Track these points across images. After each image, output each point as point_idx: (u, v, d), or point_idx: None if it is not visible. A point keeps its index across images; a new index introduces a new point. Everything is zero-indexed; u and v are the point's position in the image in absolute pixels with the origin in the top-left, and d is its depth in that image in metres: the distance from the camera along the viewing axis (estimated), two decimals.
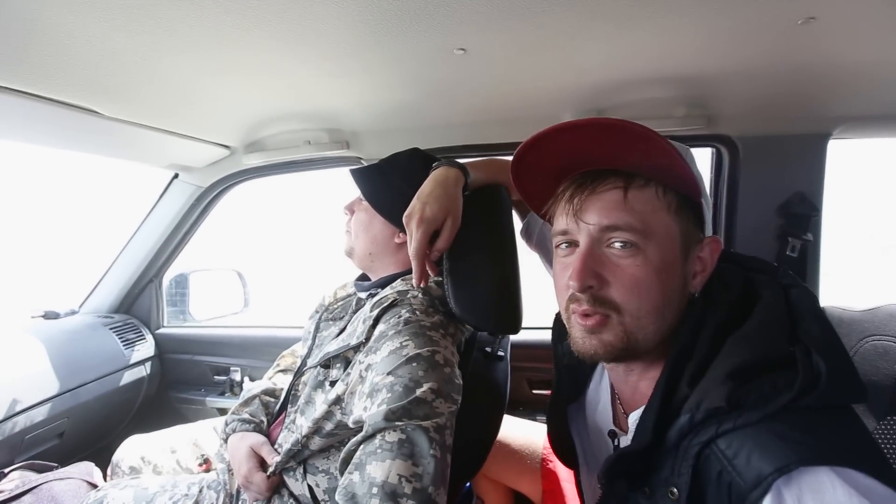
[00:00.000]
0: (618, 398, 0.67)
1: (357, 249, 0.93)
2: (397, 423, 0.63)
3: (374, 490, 0.58)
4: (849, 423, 0.46)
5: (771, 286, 0.55)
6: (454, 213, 0.79)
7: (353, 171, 0.93)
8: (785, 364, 0.47)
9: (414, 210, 0.77)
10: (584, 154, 0.55)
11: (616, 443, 0.66)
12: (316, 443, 0.80)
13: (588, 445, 0.75)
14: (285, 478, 0.84)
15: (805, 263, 1.17)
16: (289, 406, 0.91)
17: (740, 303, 0.54)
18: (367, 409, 0.69)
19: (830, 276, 1.24)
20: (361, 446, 0.64)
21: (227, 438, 0.93)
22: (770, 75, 0.95)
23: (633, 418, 0.59)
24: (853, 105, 1.07)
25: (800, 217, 1.15)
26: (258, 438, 0.89)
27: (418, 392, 0.66)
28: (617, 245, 0.54)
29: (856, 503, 0.39)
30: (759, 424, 0.44)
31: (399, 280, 0.87)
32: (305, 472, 0.82)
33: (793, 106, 1.08)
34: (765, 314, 0.52)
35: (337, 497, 0.61)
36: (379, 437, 0.63)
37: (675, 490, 0.48)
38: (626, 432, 0.63)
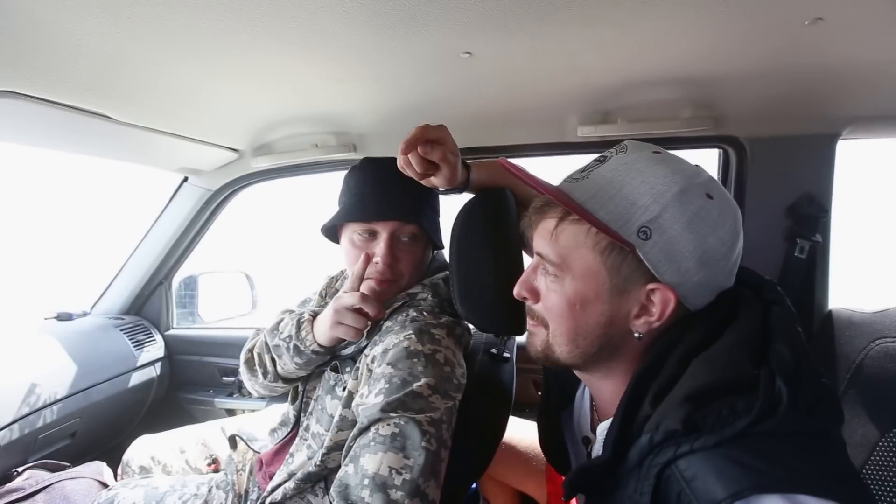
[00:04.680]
0: (594, 405, 0.68)
1: (409, 284, 0.88)
2: (392, 414, 0.64)
3: (366, 482, 0.59)
4: (815, 446, 0.45)
5: (751, 304, 0.54)
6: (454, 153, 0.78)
7: (393, 214, 0.83)
8: (749, 387, 0.46)
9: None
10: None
11: (589, 449, 0.67)
12: (335, 459, 0.77)
13: (577, 452, 0.75)
14: (308, 496, 0.81)
15: (814, 265, 1.15)
16: (302, 415, 0.91)
17: (721, 324, 0.53)
18: (363, 395, 0.70)
19: (842, 277, 1.22)
20: (357, 439, 0.65)
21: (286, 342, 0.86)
22: (777, 76, 0.94)
23: (601, 429, 0.61)
24: (862, 105, 1.06)
25: (809, 218, 1.14)
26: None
27: (415, 386, 0.67)
28: (546, 270, 0.58)
29: None
30: (716, 448, 0.44)
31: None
32: (327, 487, 0.81)
33: (801, 106, 1.07)
34: (734, 336, 0.51)
35: (332, 489, 0.63)
36: (373, 429, 0.64)
37: None
38: (596, 439, 0.64)
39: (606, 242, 0.53)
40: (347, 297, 0.77)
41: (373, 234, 0.84)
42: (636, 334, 0.55)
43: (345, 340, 0.83)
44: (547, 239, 0.57)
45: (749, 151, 1.18)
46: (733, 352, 0.49)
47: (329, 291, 1.01)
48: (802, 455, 0.44)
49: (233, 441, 1.06)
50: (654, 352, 0.54)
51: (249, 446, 1.01)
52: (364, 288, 0.84)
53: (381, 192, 0.84)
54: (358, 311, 0.77)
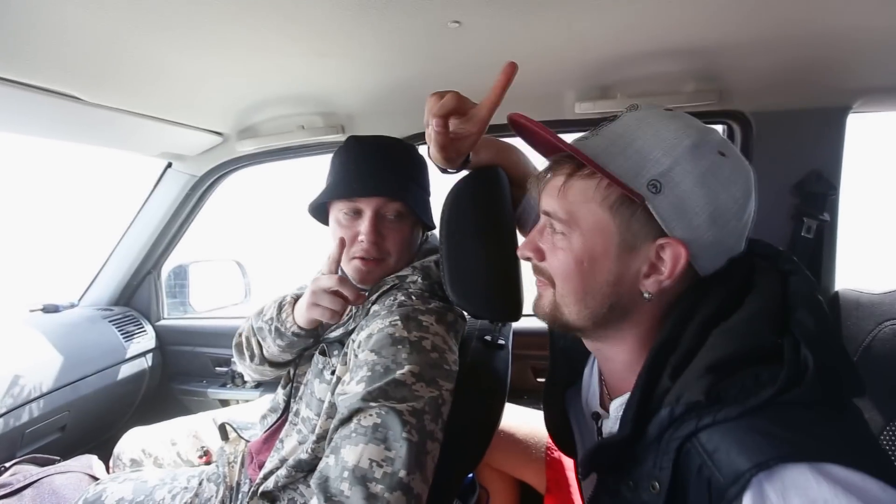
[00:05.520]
0: (603, 380, 0.67)
1: (396, 270, 0.85)
2: (372, 404, 0.61)
3: (346, 474, 0.57)
4: (840, 416, 0.44)
5: (768, 273, 0.53)
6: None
7: (376, 190, 0.79)
8: (772, 357, 0.45)
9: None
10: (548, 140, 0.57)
11: (599, 424, 0.65)
12: (324, 448, 0.76)
13: (584, 431, 0.74)
14: (301, 487, 0.79)
15: (821, 244, 1.12)
16: (291, 400, 0.89)
17: (737, 293, 0.52)
18: (345, 383, 0.68)
19: (850, 257, 1.19)
20: (339, 430, 0.63)
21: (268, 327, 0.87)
22: (784, 44, 0.89)
23: (616, 405, 0.60)
24: (875, 76, 1.01)
25: (816, 196, 1.10)
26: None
27: (398, 373, 0.64)
28: (553, 228, 0.57)
29: (841, 498, 0.37)
30: (740, 419, 0.43)
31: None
32: None
33: (809, 78, 1.02)
34: (755, 305, 0.50)
35: (312, 481, 0.60)
36: (355, 420, 0.62)
37: (657, 484, 0.47)
38: (609, 415, 0.63)
39: (616, 196, 0.52)
40: (325, 279, 0.77)
41: (357, 213, 0.82)
42: (646, 295, 0.54)
43: (325, 323, 0.82)
44: (555, 196, 0.56)
45: (755, 126, 1.13)
46: (754, 321, 0.48)
47: None
48: (828, 424, 0.43)
49: (223, 431, 1.04)
50: (670, 323, 0.53)
51: (240, 434, 0.99)
52: (351, 268, 0.83)
53: (365, 169, 0.82)
54: (335, 294, 0.76)
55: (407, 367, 0.65)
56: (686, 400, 0.46)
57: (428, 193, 0.90)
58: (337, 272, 0.79)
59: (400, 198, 0.80)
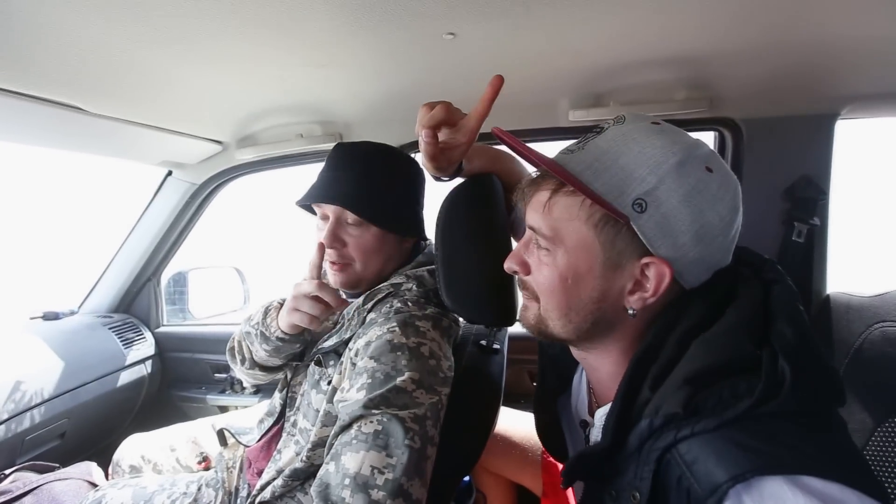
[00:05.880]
0: (591, 389, 0.67)
1: (369, 276, 0.84)
2: (374, 410, 0.62)
3: (347, 481, 0.58)
4: (819, 427, 0.44)
5: (750, 284, 0.53)
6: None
7: (348, 206, 0.79)
8: (750, 368, 0.45)
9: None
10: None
11: (587, 433, 0.65)
12: (320, 456, 0.76)
13: (574, 438, 0.74)
14: (298, 496, 0.80)
15: (812, 249, 1.13)
16: (287, 410, 0.89)
17: (720, 303, 0.52)
18: (343, 389, 0.68)
19: (841, 261, 1.20)
20: (339, 436, 0.63)
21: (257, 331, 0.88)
22: (774, 53, 0.91)
23: (599, 414, 0.60)
24: (862, 83, 1.03)
25: (806, 201, 1.12)
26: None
27: (398, 380, 0.65)
28: (538, 243, 0.57)
29: None
30: (718, 431, 0.43)
31: (394, 273, 0.85)
32: None
33: (798, 85, 1.04)
34: (735, 316, 0.49)
35: (312, 488, 0.61)
36: (356, 426, 0.62)
37: (638, 494, 0.47)
38: (595, 424, 0.63)
39: (601, 215, 0.52)
40: (305, 285, 0.78)
41: (326, 219, 0.83)
42: (630, 311, 0.54)
43: (309, 328, 0.83)
44: (540, 212, 0.56)
45: (745, 133, 1.15)
46: (734, 332, 0.48)
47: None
48: (806, 436, 0.43)
49: (221, 437, 1.04)
50: (651, 333, 0.53)
51: (238, 440, 1.00)
52: (328, 272, 0.85)
53: (331, 176, 0.83)
54: (315, 299, 0.78)
55: (407, 374, 0.65)
56: (665, 412, 0.46)
57: (407, 201, 0.87)
58: (318, 277, 0.80)
59: (352, 208, 0.79)
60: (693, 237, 0.50)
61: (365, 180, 0.81)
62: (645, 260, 0.51)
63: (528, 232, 0.60)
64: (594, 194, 0.50)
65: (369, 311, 0.79)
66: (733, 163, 1.18)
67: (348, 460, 0.59)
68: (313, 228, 0.87)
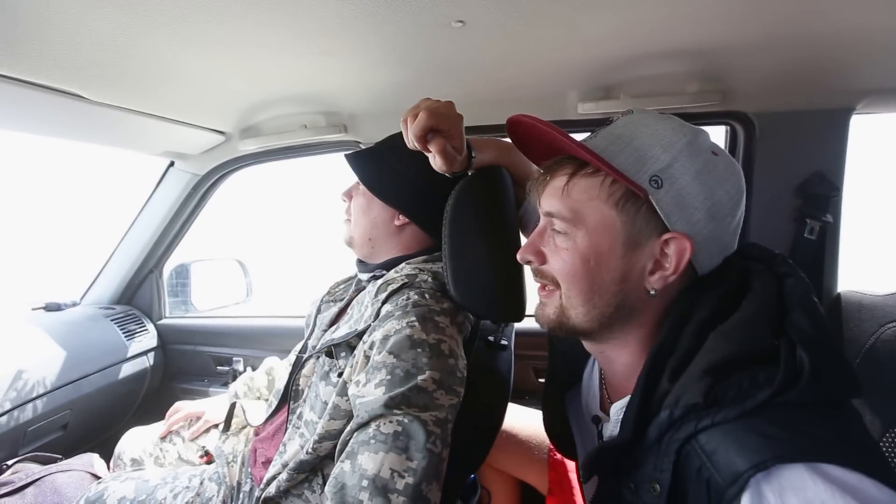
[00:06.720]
0: (604, 383, 0.67)
1: (357, 237, 0.90)
2: (396, 410, 0.60)
3: (365, 483, 0.56)
4: (837, 416, 0.45)
5: (764, 276, 0.54)
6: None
7: (348, 157, 0.89)
8: (768, 358, 0.46)
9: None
10: (551, 140, 0.58)
11: (599, 428, 0.65)
12: (326, 447, 0.75)
13: (584, 433, 0.74)
14: (306, 493, 0.78)
15: (824, 246, 1.11)
16: (290, 402, 0.88)
17: (732, 295, 0.53)
18: (359, 383, 0.66)
19: (853, 258, 1.19)
20: (355, 434, 0.62)
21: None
22: (788, 46, 0.89)
23: (616, 408, 0.60)
24: (879, 77, 1.00)
25: (819, 197, 1.10)
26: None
27: (419, 379, 0.63)
28: (555, 228, 0.57)
29: (838, 498, 0.38)
30: (738, 420, 0.44)
31: (405, 264, 0.84)
32: (324, 482, 0.77)
33: (813, 79, 1.02)
34: (751, 307, 0.50)
35: (326, 487, 0.59)
36: (374, 425, 0.60)
37: (658, 486, 0.48)
38: (609, 419, 0.63)
39: (621, 193, 0.53)
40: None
41: None
42: (651, 291, 0.54)
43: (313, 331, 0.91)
44: (558, 196, 0.57)
45: (758, 127, 1.12)
46: (751, 323, 0.49)
47: (327, 297, 1.01)
48: (825, 424, 0.43)
49: (228, 417, 1.03)
50: (666, 327, 0.53)
51: (246, 419, 0.98)
52: None
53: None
54: None
55: (428, 373, 0.63)
56: (685, 402, 0.46)
57: (408, 181, 0.85)
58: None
59: (351, 163, 0.88)
60: (706, 214, 0.52)
61: (380, 149, 0.88)
62: (666, 236, 0.53)
63: (542, 220, 0.61)
64: (617, 170, 0.52)
65: (383, 303, 0.77)
66: (745, 158, 1.16)
67: (366, 460, 0.58)
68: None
